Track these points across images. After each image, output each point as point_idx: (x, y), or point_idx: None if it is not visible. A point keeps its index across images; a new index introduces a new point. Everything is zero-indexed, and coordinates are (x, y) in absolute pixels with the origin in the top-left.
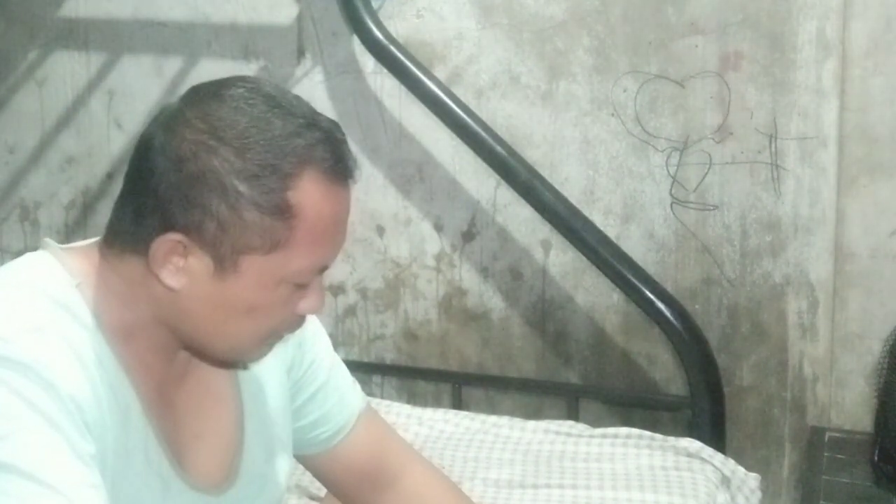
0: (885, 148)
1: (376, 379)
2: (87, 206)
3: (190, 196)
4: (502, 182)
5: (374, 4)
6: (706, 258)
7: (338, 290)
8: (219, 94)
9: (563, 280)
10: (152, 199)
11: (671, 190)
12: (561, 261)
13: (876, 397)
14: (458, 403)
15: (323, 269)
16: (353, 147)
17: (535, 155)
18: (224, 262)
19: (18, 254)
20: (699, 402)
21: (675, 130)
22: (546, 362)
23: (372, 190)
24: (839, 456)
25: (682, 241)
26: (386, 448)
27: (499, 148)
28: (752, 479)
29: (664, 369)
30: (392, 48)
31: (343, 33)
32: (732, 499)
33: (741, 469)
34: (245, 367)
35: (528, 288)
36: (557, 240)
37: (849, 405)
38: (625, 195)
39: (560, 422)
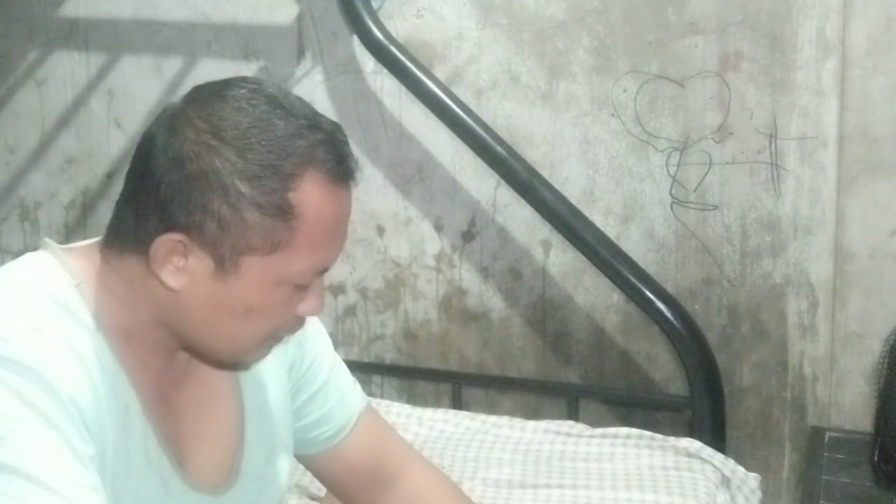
0: (885, 148)
1: (376, 379)
2: (87, 206)
3: (191, 196)
4: (502, 182)
5: (374, 4)
6: (706, 258)
7: (338, 290)
8: (221, 95)
9: (563, 280)
10: (153, 199)
11: (671, 190)
12: (561, 261)
13: (876, 397)
14: (458, 403)
15: (323, 270)
16: (354, 147)
17: (535, 155)
18: (224, 262)
19: (18, 254)
20: (699, 402)
21: (675, 130)
22: (546, 362)
23: (372, 190)
24: (839, 456)
25: (682, 241)
26: (386, 448)
27: (499, 148)
28: (752, 479)
29: (664, 369)
30: (392, 48)
31: (343, 33)
32: (732, 499)
33: (741, 469)
34: (245, 369)
35: (528, 288)
36: (557, 240)
37: (849, 405)
38: (625, 195)
39: (560, 422)
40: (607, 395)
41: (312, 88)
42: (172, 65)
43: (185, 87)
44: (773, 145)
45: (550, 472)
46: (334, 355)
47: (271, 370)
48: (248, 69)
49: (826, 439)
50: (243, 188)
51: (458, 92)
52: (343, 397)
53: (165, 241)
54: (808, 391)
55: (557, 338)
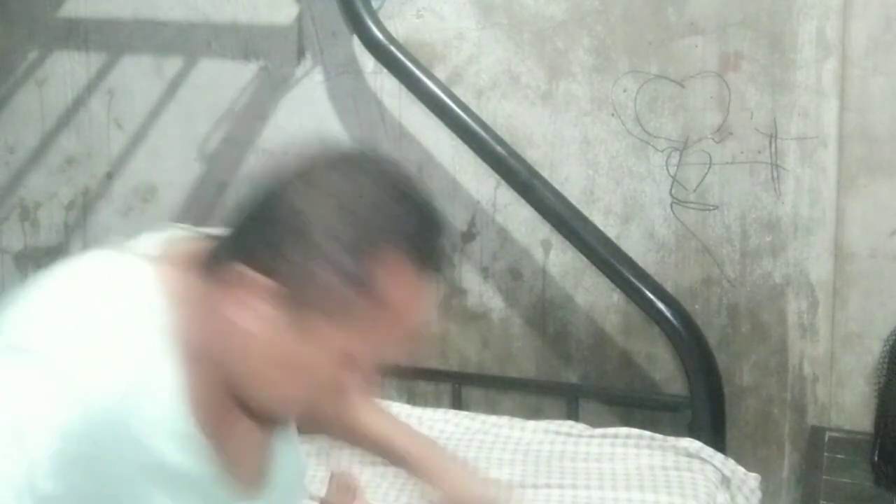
0: (885, 148)
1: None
2: (87, 206)
3: (282, 246)
4: (502, 182)
5: (374, 4)
6: (706, 258)
7: None
8: (346, 161)
9: (563, 280)
10: (249, 237)
11: (671, 190)
12: (561, 261)
13: (876, 397)
14: (458, 403)
15: (385, 357)
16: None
17: (535, 155)
18: (294, 315)
19: (18, 254)
20: (699, 402)
21: (675, 130)
22: (546, 362)
23: None
24: (839, 456)
25: (682, 241)
26: None
27: (499, 148)
28: (752, 479)
29: (664, 369)
30: (392, 48)
31: (343, 33)
32: (732, 499)
33: (741, 469)
34: (275, 425)
35: (528, 288)
36: (557, 240)
37: (849, 405)
38: (625, 195)
39: (560, 422)
40: (607, 395)
41: (312, 88)
42: (172, 65)
43: (186, 87)
44: (773, 145)
45: (550, 472)
46: None
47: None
48: (248, 69)
49: (826, 439)
50: (332, 251)
51: (458, 92)
52: None
53: (246, 279)
54: (808, 391)
55: (557, 338)
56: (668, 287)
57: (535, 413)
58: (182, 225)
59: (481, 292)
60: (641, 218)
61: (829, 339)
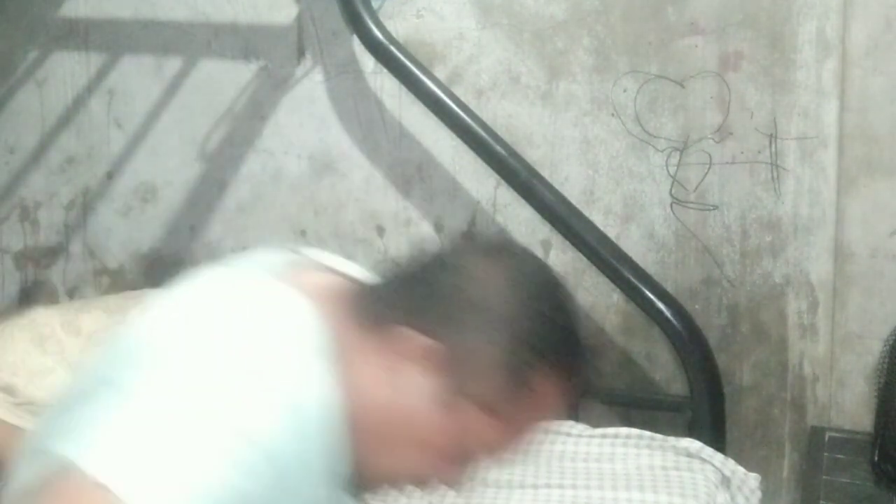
0: (885, 148)
1: None
2: (87, 206)
3: (459, 320)
4: (502, 182)
5: (374, 4)
6: (706, 258)
7: None
8: (540, 268)
9: (564, 280)
10: (420, 300)
11: (671, 190)
12: (561, 261)
13: (876, 397)
14: None
15: (505, 448)
16: (353, 147)
17: (535, 155)
18: (448, 391)
19: (18, 254)
20: (699, 402)
21: (675, 130)
22: None
23: (372, 190)
24: (839, 456)
25: (682, 241)
26: None
27: (499, 148)
28: (752, 479)
29: (664, 369)
30: (392, 48)
31: (343, 33)
32: (732, 499)
33: (741, 469)
34: (366, 492)
35: None
36: (557, 240)
37: (849, 405)
38: (625, 195)
39: (560, 422)
40: (607, 396)
41: (312, 88)
42: (172, 65)
43: (186, 87)
44: (773, 145)
45: (550, 472)
46: None
47: None
48: (248, 69)
49: (826, 439)
50: (509, 343)
51: (458, 92)
52: None
53: (414, 339)
54: (808, 391)
55: None
56: (668, 287)
57: None
58: (291, 246)
59: None
60: (641, 218)
61: (829, 339)
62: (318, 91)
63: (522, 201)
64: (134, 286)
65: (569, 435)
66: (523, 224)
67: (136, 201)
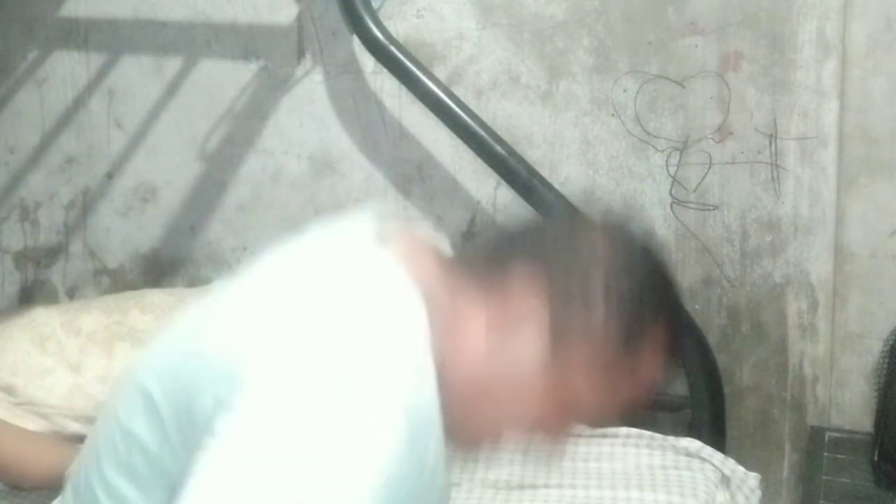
0: (885, 148)
1: None
2: (87, 206)
3: (581, 270)
4: (502, 182)
5: (374, 4)
6: (706, 258)
7: None
8: (641, 234)
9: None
10: (542, 245)
11: (671, 190)
12: None
13: (876, 397)
14: None
15: (592, 412)
16: (353, 147)
17: (535, 155)
18: (557, 342)
19: (18, 254)
20: (699, 402)
21: (675, 130)
22: None
23: (372, 190)
24: (839, 456)
25: (682, 241)
26: None
27: (499, 148)
28: (752, 479)
29: (664, 369)
30: (392, 48)
31: (343, 33)
32: (732, 498)
33: (741, 468)
34: (465, 453)
35: None
36: None
37: (849, 405)
38: (625, 195)
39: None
40: None
41: (312, 88)
42: (172, 65)
43: (186, 87)
44: (773, 145)
45: (550, 471)
46: None
47: None
48: (248, 69)
49: (826, 439)
50: (625, 300)
51: (458, 92)
52: None
53: (531, 280)
54: (808, 391)
55: None
56: None
57: None
58: (373, 206)
59: None
60: (641, 218)
61: (829, 339)
62: (318, 91)
63: (522, 201)
64: (134, 286)
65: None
66: None
67: (136, 201)
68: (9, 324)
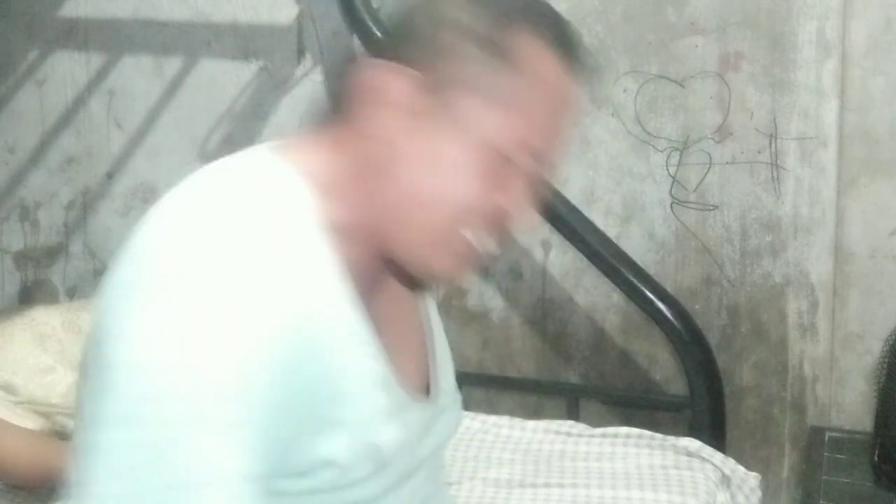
0: (885, 148)
1: None
2: (87, 206)
3: (413, 31)
4: None
5: (374, 4)
6: (706, 258)
7: None
8: None
9: (563, 280)
10: (373, 49)
11: (671, 190)
12: (561, 261)
13: (876, 397)
14: None
15: (531, 152)
16: None
17: None
18: (438, 99)
19: (18, 254)
20: (699, 402)
21: (675, 130)
22: (546, 362)
23: None
24: (839, 456)
25: (682, 241)
26: None
27: None
28: (752, 479)
29: (664, 369)
30: None
31: (343, 33)
32: (732, 497)
33: (741, 468)
34: (431, 287)
35: (528, 288)
36: (557, 240)
37: (849, 405)
38: (625, 195)
39: (560, 421)
40: (607, 396)
41: (312, 88)
42: (172, 65)
43: (186, 87)
44: (773, 145)
45: (550, 471)
46: None
47: (436, 320)
48: (248, 69)
49: (826, 439)
50: (465, 20)
51: None
52: None
53: (377, 77)
54: (808, 391)
55: (557, 338)
56: (668, 287)
57: (535, 413)
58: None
59: (481, 292)
60: (641, 218)
61: (829, 339)
62: (318, 91)
63: None
64: None
65: (569, 434)
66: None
67: (136, 201)
68: (9, 323)
